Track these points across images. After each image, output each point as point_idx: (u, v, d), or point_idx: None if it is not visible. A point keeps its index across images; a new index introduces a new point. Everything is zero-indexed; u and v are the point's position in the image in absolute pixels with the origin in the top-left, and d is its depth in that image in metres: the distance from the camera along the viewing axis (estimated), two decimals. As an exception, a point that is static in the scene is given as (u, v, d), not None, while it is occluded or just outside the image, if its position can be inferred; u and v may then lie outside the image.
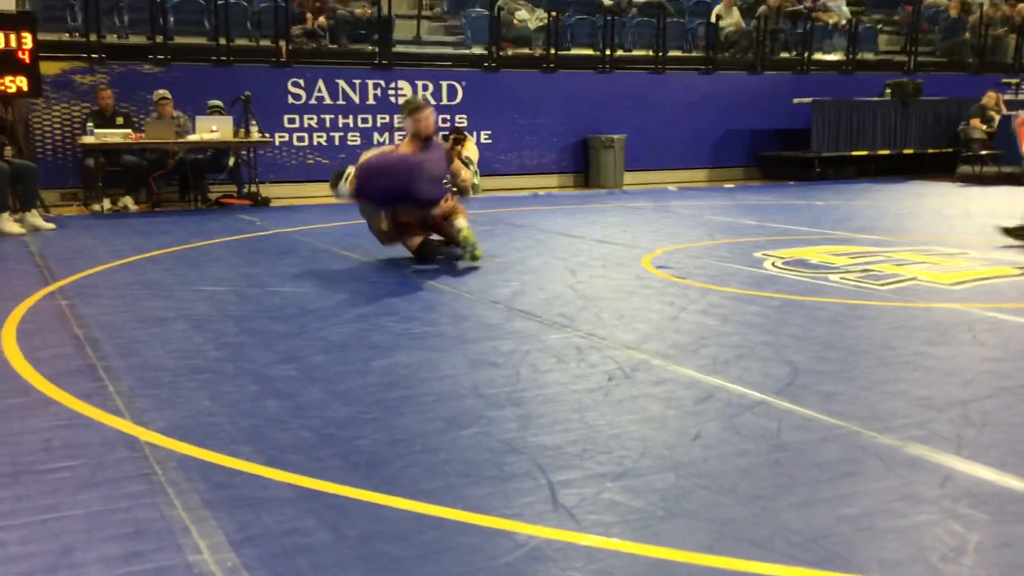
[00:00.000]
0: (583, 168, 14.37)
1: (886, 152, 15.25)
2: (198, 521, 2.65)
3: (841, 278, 6.36)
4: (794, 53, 16.07)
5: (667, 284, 6.30)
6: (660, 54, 14.89)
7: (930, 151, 15.52)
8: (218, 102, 11.45)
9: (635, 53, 15.02)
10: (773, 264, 6.99)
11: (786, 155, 15.21)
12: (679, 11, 15.95)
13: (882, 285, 6.10)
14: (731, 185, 14.66)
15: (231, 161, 11.25)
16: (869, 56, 16.82)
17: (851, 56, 16.28)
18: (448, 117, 13.46)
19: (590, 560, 2.43)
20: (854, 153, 15.01)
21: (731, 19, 15.56)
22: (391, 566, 2.39)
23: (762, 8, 15.81)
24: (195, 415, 3.61)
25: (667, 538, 2.55)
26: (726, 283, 6.26)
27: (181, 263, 7.18)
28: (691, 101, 14.87)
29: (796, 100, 14.95)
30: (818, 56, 16.23)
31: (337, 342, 4.74)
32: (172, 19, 12.29)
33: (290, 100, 12.56)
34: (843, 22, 16.56)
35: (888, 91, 15.45)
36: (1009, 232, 8.03)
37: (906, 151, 15.36)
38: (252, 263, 7.25)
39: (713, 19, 15.38)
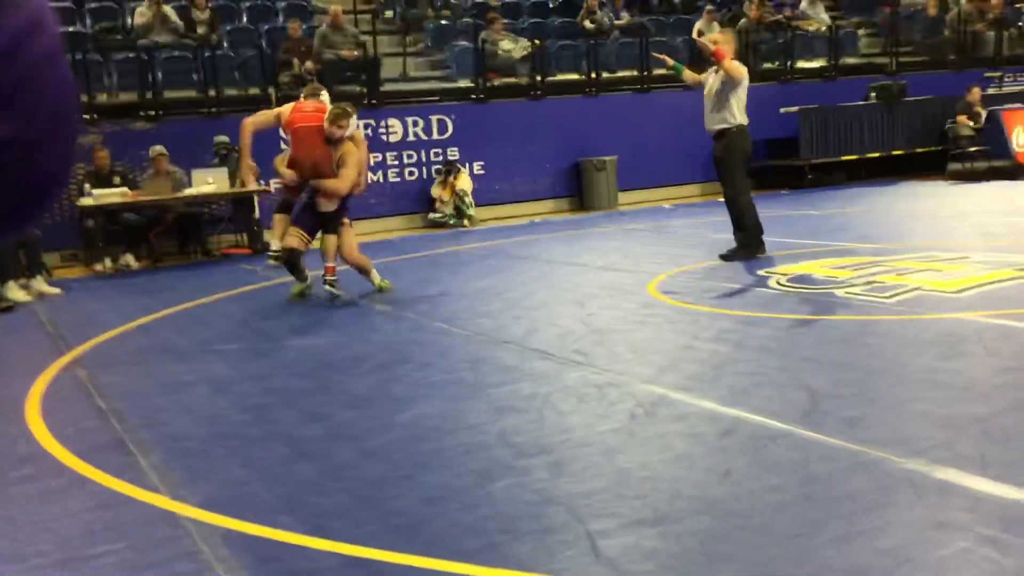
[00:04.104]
0: (577, 191, 14.47)
1: (876, 155, 15.37)
2: (251, 599, 2.70)
3: (847, 293, 6.43)
4: (777, 63, 16.22)
5: (676, 311, 6.37)
6: (645, 74, 15.03)
7: (919, 150, 15.64)
8: (224, 138, 11.57)
9: (620, 74, 15.16)
10: (778, 282, 7.06)
11: (777, 164, 15.32)
12: (660, 29, 16.10)
13: (888, 297, 6.17)
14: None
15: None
16: (851, 60, 16.97)
17: (833, 62, 16.43)
18: (440, 151, 13.58)
19: (640, 613, 2.48)
20: (843, 158, 15.13)
21: (712, 33, 15.70)
22: (446, 633, 2.45)
23: (742, 21, 15.97)
24: (230, 485, 3.66)
25: (711, 583, 2.61)
26: (734, 306, 6.33)
27: (192, 322, 7.24)
28: (679, 117, 14.95)
29: (783, 110, 15.07)
30: (801, 64, 16.38)
31: (360, 395, 4.79)
32: (160, 74, 12.39)
33: (282, 145, 12.64)
34: (823, 29, 16.73)
35: (873, 94, 15.59)
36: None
37: (895, 152, 15.48)
38: (261, 316, 7.31)
39: (695, 35, 15.52)
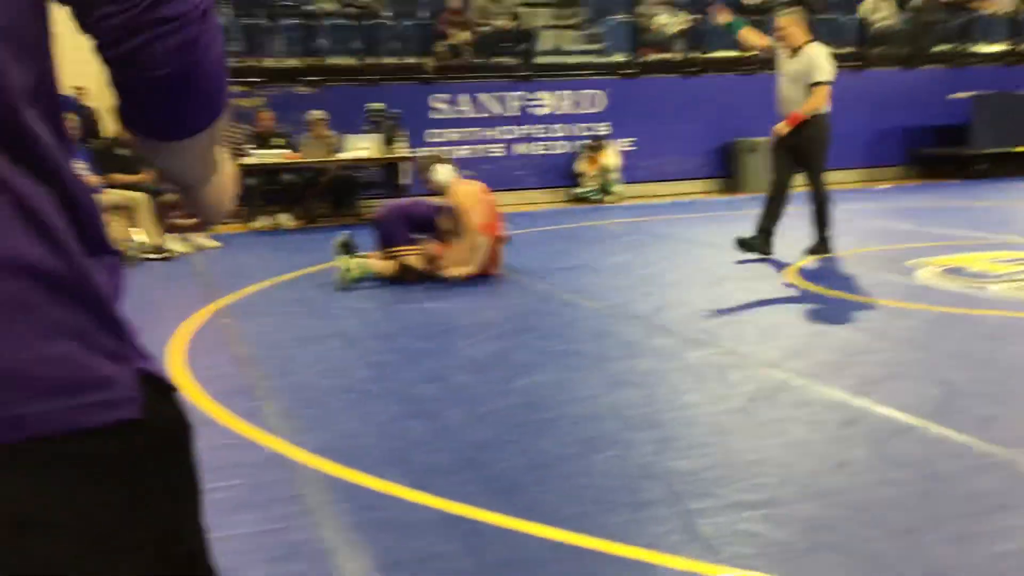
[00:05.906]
0: (728, 173, 14.13)
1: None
2: (346, 544, 2.77)
3: (1002, 288, 6.04)
4: (951, 46, 15.33)
5: (814, 296, 6.14)
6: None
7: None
8: (379, 105, 11.82)
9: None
10: (929, 273, 6.70)
11: (944, 153, 14.52)
12: (825, 6, 15.45)
13: (1048, 296, 5.76)
14: (885, 186, 14.09)
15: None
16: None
17: (1015, 47, 15.38)
18: (590, 126, 13.51)
19: (727, 595, 2.41)
20: (1019, 149, 14.18)
21: (883, 13, 14.96)
22: (528, 595, 2.45)
23: (917, 0, 15.15)
24: (344, 436, 3.77)
25: (810, 572, 2.51)
26: (877, 295, 6.05)
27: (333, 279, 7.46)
28: (841, 99, 14.33)
29: (952, 95, 14.25)
30: (978, 48, 15.42)
31: (479, 361, 4.84)
32: (325, 41, 12.79)
33: (433, 116, 12.87)
34: (1008, 11, 15.67)
35: (1058, 81, 14.53)
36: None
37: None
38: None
39: (863, 14, 14.84)
